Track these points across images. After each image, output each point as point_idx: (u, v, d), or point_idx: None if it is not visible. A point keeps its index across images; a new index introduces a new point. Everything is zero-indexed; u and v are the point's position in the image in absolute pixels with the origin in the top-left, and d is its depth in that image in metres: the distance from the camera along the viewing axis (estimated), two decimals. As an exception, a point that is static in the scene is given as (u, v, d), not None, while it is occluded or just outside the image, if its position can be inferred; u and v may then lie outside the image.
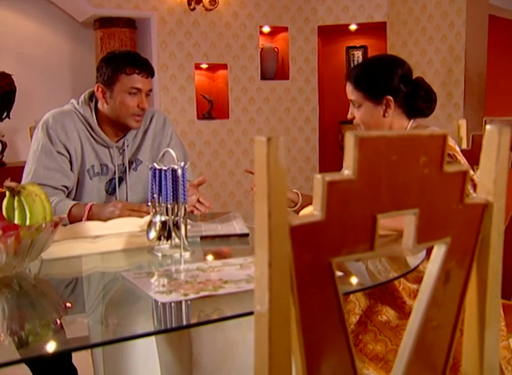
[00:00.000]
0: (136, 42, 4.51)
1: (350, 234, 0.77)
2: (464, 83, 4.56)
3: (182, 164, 1.45)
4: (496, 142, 0.87)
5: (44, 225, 1.21)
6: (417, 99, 1.84)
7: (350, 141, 0.75)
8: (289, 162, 5.13)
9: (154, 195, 1.47)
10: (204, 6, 4.54)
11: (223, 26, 4.77)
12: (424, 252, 1.37)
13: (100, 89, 2.00)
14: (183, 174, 1.42)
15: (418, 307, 0.87)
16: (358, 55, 5.59)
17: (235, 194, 4.96)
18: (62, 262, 1.43)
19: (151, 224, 1.48)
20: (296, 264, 0.74)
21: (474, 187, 1.74)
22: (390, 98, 1.80)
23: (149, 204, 1.49)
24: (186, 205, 1.47)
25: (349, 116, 1.91)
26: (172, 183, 1.42)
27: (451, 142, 1.73)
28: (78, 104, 2.05)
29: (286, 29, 5.10)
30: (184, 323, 1.04)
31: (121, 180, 2.08)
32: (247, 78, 4.92)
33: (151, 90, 2.03)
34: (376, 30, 5.19)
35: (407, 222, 0.83)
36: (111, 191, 2.07)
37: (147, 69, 1.99)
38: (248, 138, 4.95)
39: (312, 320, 0.77)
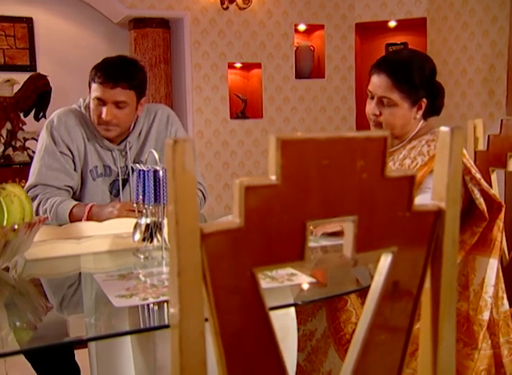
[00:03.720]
0: (169, 42, 4.54)
1: (275, 242, 0.73)
2: (506, 81, 4.38)
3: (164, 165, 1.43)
4: (448, 145, 0.81)
5: (17, 226, 1.21)
6: (439, 97, 1.78)
7: (272, 144, 0.71)
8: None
9: (140, 197, 1.46)
10: (237, 5, 4.52)
11: (257, 24, 4.74)
12: None
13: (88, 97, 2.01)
14: (164, 175, 1.40)
15: (364, 319, 0.82)
16: (399, 52, 5.45)
17: (268, 193, 4.91)
18: (47, 262, 1.43)
19: (136, 226, 1.47)
20: (213, 274, 0.70)
21: (482, 191, 1.66)
22: (425, 101, 1.73)
23: (134, 205, 1.48)
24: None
25: (374, 112, 1.74)
26: (154, 185, 1.40)
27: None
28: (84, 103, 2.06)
29: (322, 27, 5.02)
30: (139, 327, 1.02)
31: (125, 182, 2.07)
32: (282, 77, 4.88)
33: (121, 101, 1.93)
34: (416, 26, 5.05)
35: (345, 229, 0.78)
36: (115, 192, 2.07)
37: (112, 80, 1.91)
38: (283, 137, 4.90)
39: (234, 333, 0.73)
